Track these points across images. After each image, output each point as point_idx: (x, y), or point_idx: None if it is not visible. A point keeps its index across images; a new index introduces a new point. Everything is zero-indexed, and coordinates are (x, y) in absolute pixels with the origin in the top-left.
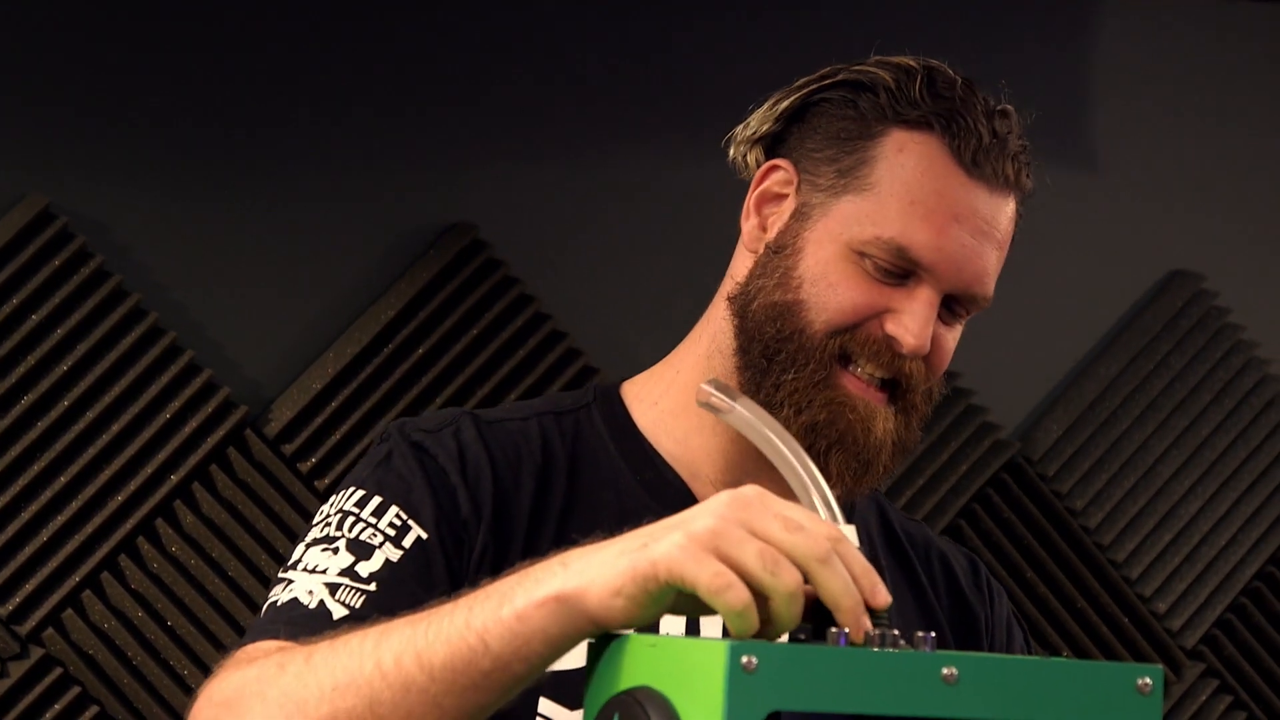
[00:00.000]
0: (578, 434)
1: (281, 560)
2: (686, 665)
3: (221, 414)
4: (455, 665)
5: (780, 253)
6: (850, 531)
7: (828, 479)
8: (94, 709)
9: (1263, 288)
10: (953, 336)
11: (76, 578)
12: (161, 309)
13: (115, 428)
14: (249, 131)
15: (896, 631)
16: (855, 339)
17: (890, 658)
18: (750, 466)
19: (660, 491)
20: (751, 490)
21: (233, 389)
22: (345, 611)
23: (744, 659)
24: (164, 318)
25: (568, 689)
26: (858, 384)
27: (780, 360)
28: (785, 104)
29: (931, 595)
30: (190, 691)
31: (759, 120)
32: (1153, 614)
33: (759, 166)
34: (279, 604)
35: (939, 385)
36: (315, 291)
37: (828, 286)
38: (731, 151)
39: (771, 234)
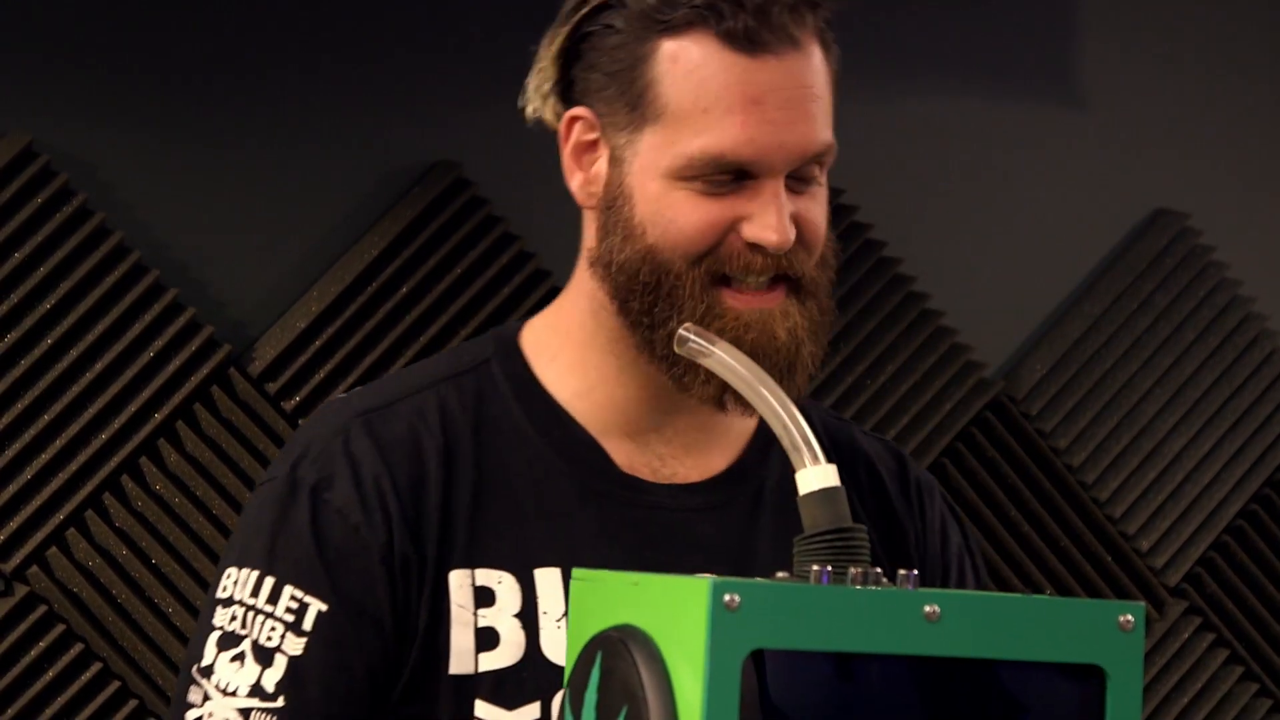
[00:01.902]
0: (479, 396)
1: None
2: (669, 603)
3: (205, 352)
4: None
5: (614, 206)
6: (831, 471)
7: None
8: (78, 646)
9: (1247, 226)
10: (816, 203)
11: (61, 515)
12: (145, 247)
13: (99, 366)
14: (233, 70)
15: (879, 569)
16: (720, 259)
17: (873, 595)
18: (658, 416)
19: (571, 450)
20: None
21: (216, 327)
22: None
23: (726, 597)
24: (147, 256)
25: (504, 689)
26: (743, 298)
27: (660, 311)
28: (556, 47)
29: (859, 508)
30: (174, 629)
31: (544, 70)
32: (1136, 552)
33: (559, 120)
34: None
35: (830, 247)
36: (299, 230)
37: (668, 222)
38: (529, 109)
39: (599, 188)
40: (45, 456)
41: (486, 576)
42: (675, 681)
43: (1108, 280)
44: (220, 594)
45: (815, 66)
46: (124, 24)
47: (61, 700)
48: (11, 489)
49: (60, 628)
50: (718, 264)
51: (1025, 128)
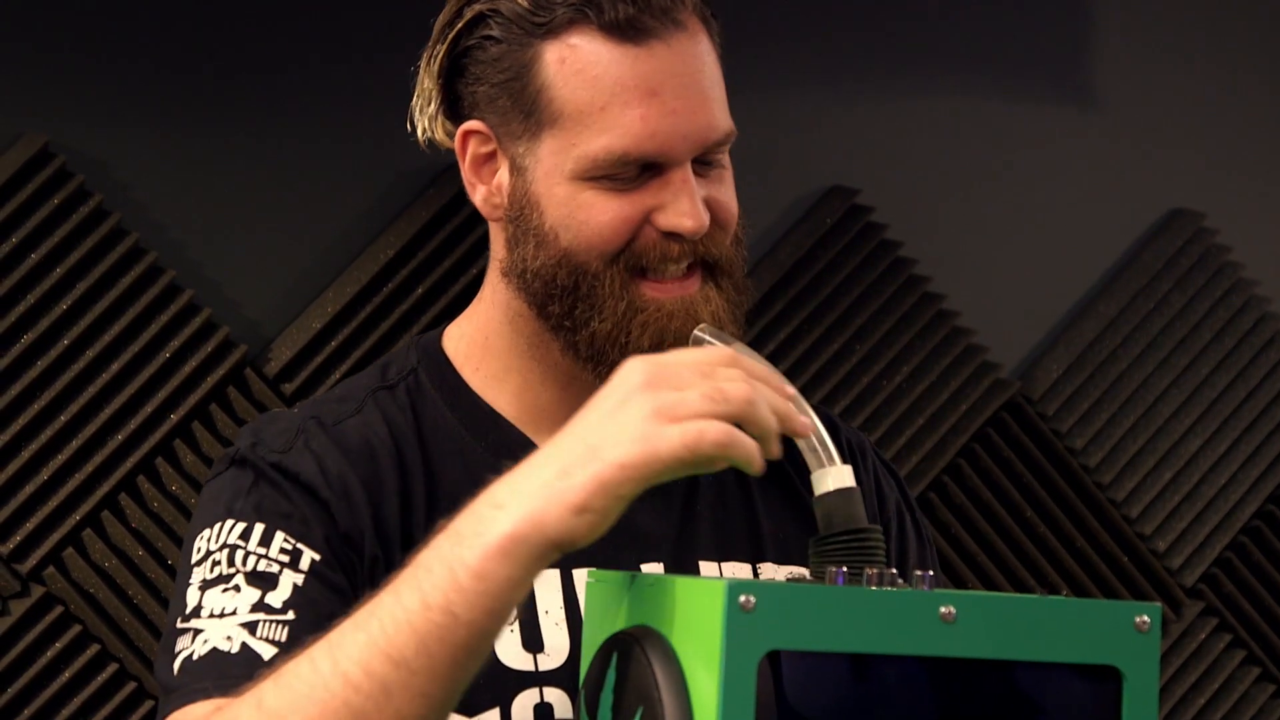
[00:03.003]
0: (414, 406)
1: None
2: (685, 605)
3: (221, 353)
4: (430, 649)
5: (521, 216)
6: (847, 471)
7: None
8: (95, 647)
9: (1263, 226)
10: (724, 185)
11: (77, 516)
12: (161, 247)
13: (115, 367)
14: (249, 70)
15: (894, 570)
16: (636, 252)
17: (888, 596)
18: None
19: (509, 453)
20: (638, 364)
21: (232, 328)
22: (274, 649)
23: (742, 598)
24: (163, 256)
25: (464, 696)
26: (663, 287)
27: (580, 312)
28: (436, 66)
29: (799, 486)
30: None
31: (428, 91)
32: (1152, 552)
33: (453, 138)
34: (195, 657)
35: (740, 226)
36: (315, 230)
37: (580, 223)
38: (419, 133)
39: (504, 199)
40: (61, 457)
41: None
42: (691, 683)
43: (1124, 280)
44: (196, 556)
45: (703, 47)
46: (139, 25)
47: (78, 701)
48: (28, 489)
49: (76, 628)
50: (634, 257)
51: (1041, 127)
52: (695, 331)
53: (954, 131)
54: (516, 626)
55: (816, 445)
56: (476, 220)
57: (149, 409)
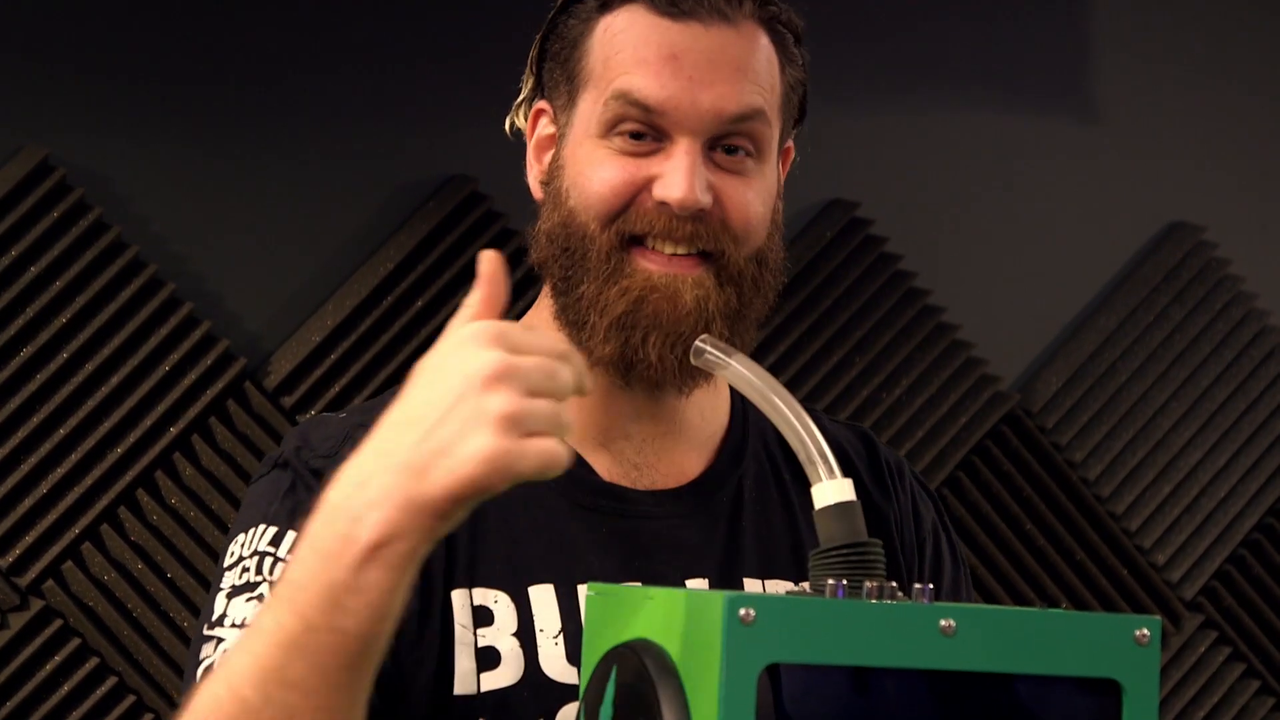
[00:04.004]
0: None
1: None
2: (684, 617)
3: (221, 366)
4: (324, 667)
5: (552, 181)
6: (847, 485)
7: (649, 366)
8: (94, 660)
9: (1263, 239)
10: (749, 187)
11: (76, 530)
12: (161, 261)
13: (115, 380)
14: (249, 83)
15: (894, 584)
16: (630, 218)
17: (888, 610)
18: (625, 424)
19: None
20: (459, 352)
21: (232, 341)
22: None
23: (742, 611)
24: (163, 270)
25: (507, 709)
26: (657, 259)
27: (574, 275)
28: (532, 53)
29: None
30: (189, 643)
31: (524, 80)
32: (1152, 565)
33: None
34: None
35: (776, 250)
36: (315, 243)
37: (586, 180)
38: (508, 124)
39: (547, 174)
40: (61, 470)
41: (483, 596)
42: (690, 696)
43: (1123, 293)
44: (229, 560)
45: (748, 46)
46: (139, 38)
47: (76, 714)
48: (27, 503)
49: (75, 642)
50: (627, 224)
51: (1041, 141)
52: (696, 343)
53: (954, 145)
54: (561, 639)
55: (816, 458)
56: (476, 233)
57: (148, 422)
